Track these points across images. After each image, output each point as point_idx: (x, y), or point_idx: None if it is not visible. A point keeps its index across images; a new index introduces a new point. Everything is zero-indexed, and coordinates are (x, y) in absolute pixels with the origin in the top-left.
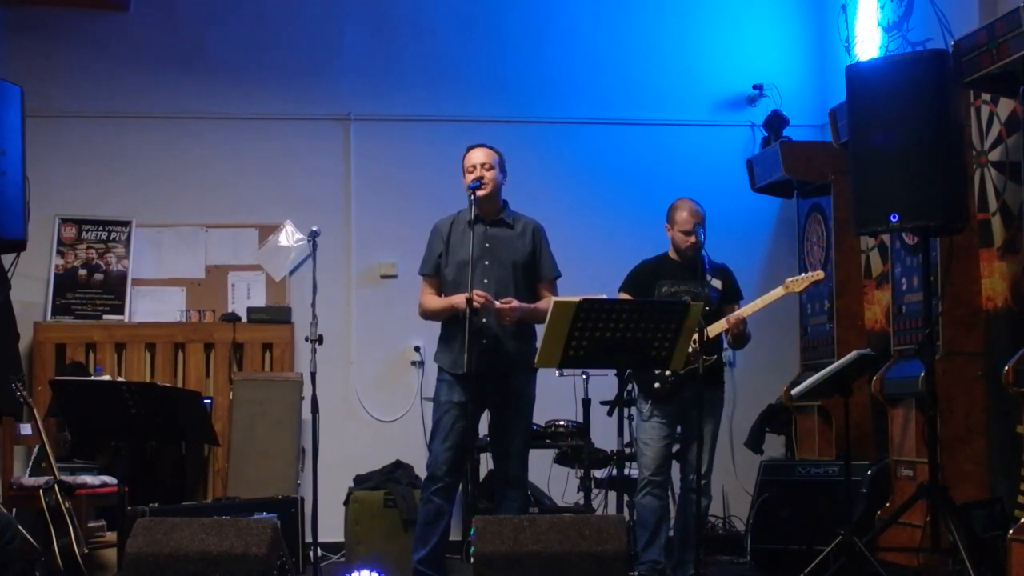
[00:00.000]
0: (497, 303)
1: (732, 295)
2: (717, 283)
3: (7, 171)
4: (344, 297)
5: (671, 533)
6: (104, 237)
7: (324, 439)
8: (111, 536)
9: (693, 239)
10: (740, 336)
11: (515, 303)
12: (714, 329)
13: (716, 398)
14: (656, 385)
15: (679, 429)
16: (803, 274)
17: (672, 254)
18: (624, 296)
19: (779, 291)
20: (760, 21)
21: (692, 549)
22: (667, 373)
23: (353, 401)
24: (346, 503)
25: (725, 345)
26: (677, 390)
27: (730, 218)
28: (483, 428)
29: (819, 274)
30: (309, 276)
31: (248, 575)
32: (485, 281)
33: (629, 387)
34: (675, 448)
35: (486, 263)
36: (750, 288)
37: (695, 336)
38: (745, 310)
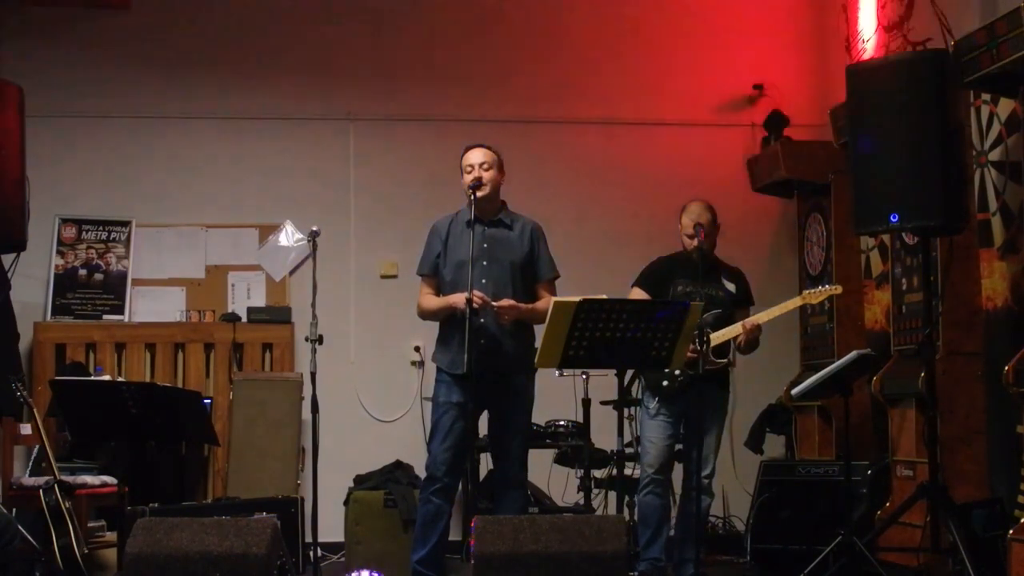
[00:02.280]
0: (494, 303)
1: (745, 299)
2: (731, 286)
3: (7, 171)
4: (344, 297)
5: (672, 532)
6: (104, 237)
7: (324, 439)
8: (111, 536)
9: (695, 242)
10: (753, 342)
11: (512, 303)
12: (729, 333)
13: (722, 399)
14: (665, 383)
15: (682, 428)
16: (821, 287)
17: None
18: (638, 291)
19: (796, 301)
20: (760, 21)
21: (693, 548)
22: (676, 371)
23: (353, 401)
24: (346, 503)
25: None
26: (685, 389)
27: (730, 218)
28: (483, 428)
29: (837, 288)
30: (309, 276)
31: (248, 575)
32: (483, 281)
33: (637, 382)
34: (678, 447)
35: (484, 263)
36: (750, 288)
37: (709, 336)
38: (761, 316)
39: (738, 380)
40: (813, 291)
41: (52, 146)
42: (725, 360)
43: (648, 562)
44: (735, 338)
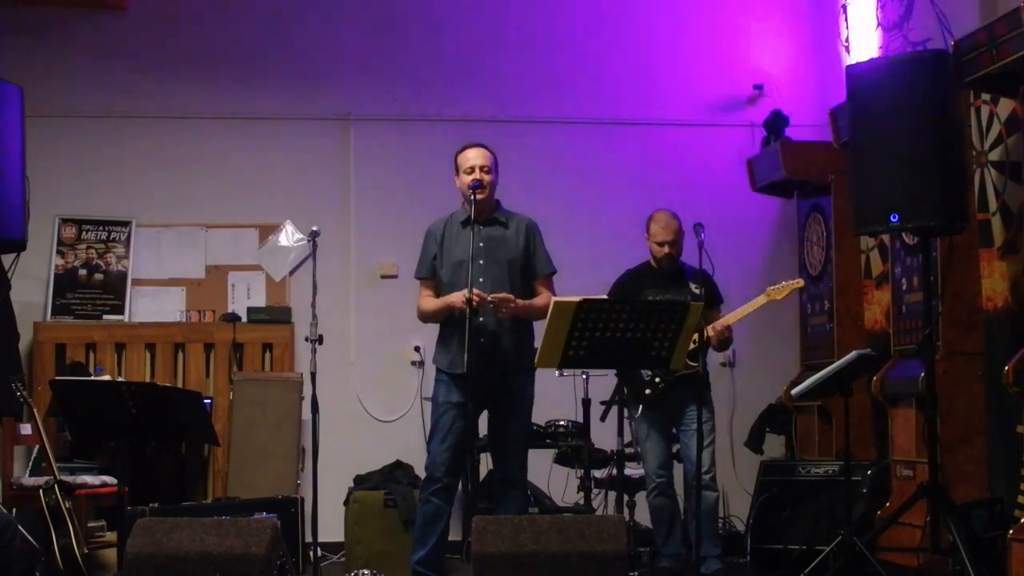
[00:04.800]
0: (490, 297)
1: (712, 300)
2: (697, 289)
3: (7, 171)
4: (344, 297)
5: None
6: (104, 237)
7: (324, 439)
8: (111, 536)
9: (667, 249)
10: (724, 341)
11: (509, 296)
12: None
13: (705, 397)
14: (647, 392)
15: (675, 430)
16: (784, 282)
17: (653, 262)
18: None
19: (761, 299)
20: (759, 21)
21: (709, 542)
22: (656, 379)
23: (353, 401)
24: (346, 503)
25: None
26: (667, 394)
27: (730, 218)
28: (483, 428)
29: (798, 282)
30: (309, 276)
31: (248, 575)
32: (481, 280)
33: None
34: (676, 448)
35: (481, 262)
36: (750, 289)
37: (695, 336)
38: (729, 317)
39: (738, 380)
40: (776, 287)
41: (52, 146)
42: (697, 364)
43: (670, 557)
44: (707, 340)
